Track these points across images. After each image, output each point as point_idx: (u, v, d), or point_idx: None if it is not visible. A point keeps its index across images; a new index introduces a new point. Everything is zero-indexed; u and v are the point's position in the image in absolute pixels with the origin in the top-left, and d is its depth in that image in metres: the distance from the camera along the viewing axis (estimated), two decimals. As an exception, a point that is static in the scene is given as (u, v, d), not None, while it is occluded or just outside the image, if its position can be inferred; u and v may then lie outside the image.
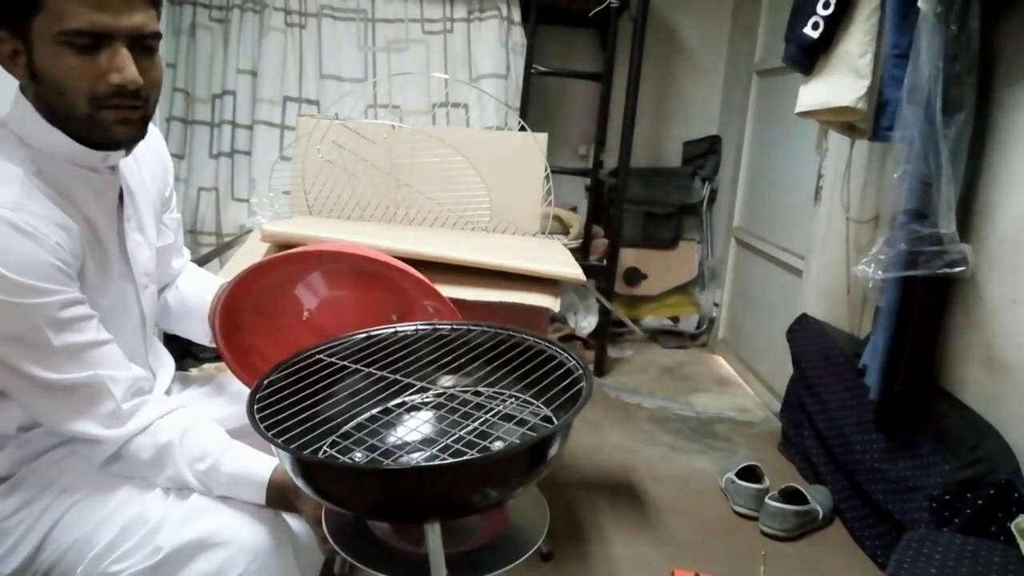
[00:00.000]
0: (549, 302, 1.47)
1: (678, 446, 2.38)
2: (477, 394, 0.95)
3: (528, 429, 0.87)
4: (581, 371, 0.88)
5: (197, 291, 1.28)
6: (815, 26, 1.78)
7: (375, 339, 1.02)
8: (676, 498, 2.05)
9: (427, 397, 0.97)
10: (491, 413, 0.90)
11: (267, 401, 0.88)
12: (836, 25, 1.77)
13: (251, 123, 2.71)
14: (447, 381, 0.98)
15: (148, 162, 1.15)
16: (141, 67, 0.94)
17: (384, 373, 0.96)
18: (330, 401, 0.93)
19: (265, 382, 0.91)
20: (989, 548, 1.32)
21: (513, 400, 0.92)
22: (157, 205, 1.18)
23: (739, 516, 1.97)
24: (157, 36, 0.96)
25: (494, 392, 0.95)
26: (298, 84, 2.71)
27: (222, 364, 2.18)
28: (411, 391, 0.95)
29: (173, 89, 2.73)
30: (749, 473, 2.04)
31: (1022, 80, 1.60)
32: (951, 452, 1.59)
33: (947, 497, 1.50)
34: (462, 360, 0.97)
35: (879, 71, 1.75)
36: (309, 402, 0.90)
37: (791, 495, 1.92)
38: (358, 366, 0.96)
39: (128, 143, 1.01)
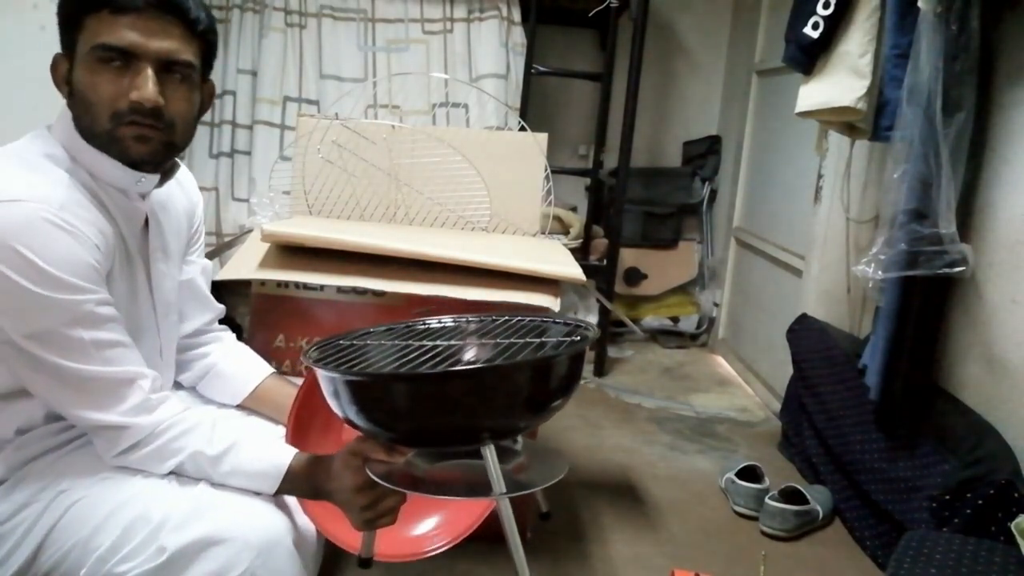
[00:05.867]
0: (549, 302, 1.47)
1: (678, 446, 2.38)
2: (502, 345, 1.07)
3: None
4: (584, 326, 1.06)
5: (238, 374, 1.29)
6: (815, 26, 1.78)
7: (398, 329, 1.15)
8: (676, 498, 2.05)
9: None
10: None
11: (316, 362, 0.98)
12: (836, 25, 1.77)
13: (251, 123, 2.71)
14: (471, 351, 1.10)
15: (177, 198, 1.19)
16: (167, 93, 0.98)
17: (415, 342, 1.06)
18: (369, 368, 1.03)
19: (306, 356, 1.01)
20: (989, 548, 1.32)
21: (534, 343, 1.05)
22: (183, 242, 1.21)
23: (739, 516, 1.97)
24: (189, 66, 0.99)
25: (515, 341, 1.08)
26: (298, 84, 2.71)
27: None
28: (443, 357, 1.04)
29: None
30: (749, 473, 2.04)
31: (1022, 80, 1.60)
32: (951, 452, 1.59)
33: (947, 497, 1.50)
34: (482, 336, 1.11)
35: (879, 71, 1.75)
36: (353, 364, 1.00)
37: (791, 495, 1.92)
38: (389, 340, 1.09)
39: (147, 164, 1.02)
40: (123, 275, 1.04)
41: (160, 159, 1.03)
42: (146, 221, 1.10)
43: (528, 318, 1.14)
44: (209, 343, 1.31)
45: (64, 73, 0.99)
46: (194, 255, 1.27)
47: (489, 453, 0.93)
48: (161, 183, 1.08)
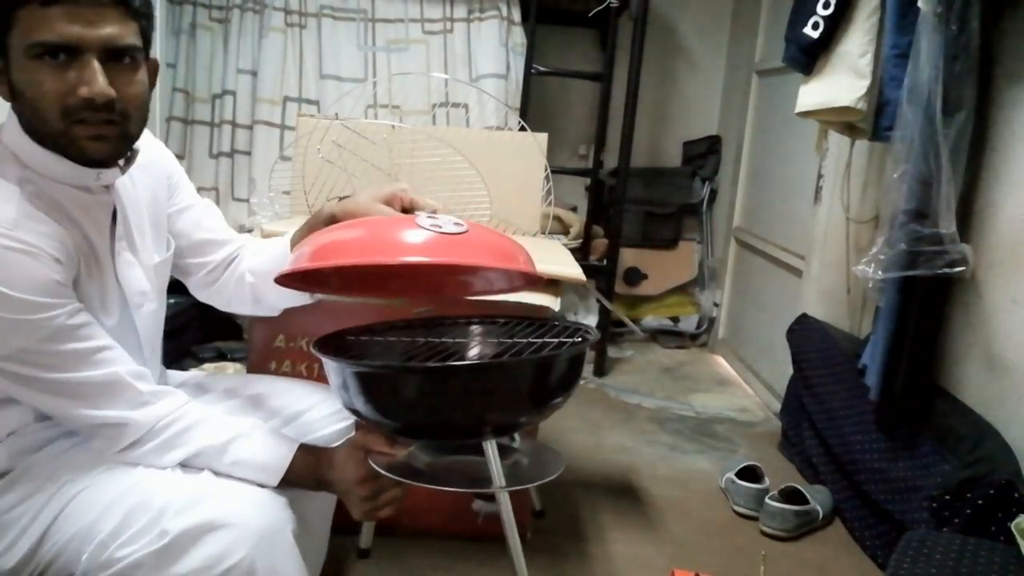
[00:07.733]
0: (549, 301, 1.47)
1: (678, 446, 2.38)
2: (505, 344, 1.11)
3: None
4: (585, 329, 1.10)
5: (272, 260, 1.23)
6: (815, 26, 1.78)
7: (407, 323, 1.18)
8: (676, 498, 2.05)
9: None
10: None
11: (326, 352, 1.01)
12: (836, 25, 1.77)
13: (251, 123, 2.71)
14: (476, 348, 1.14)
15: (142, 178, 1.13)
16: (117, 82, 0.92)
17: (422, 338, 1.10)
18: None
19: (315, 348, 1.03)
20: (989, 548, 1.32)
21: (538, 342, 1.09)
22: (159, 219, 1.16)
23: (739, 516, 1.97)
24: (134, 49, 0.94)
25: (518, 340, 1.11)
26: (298, 84, 2.71)
27: (221, 364, 2.18)
28: (448, 353, 1.08)
29: (173, 89, 2.74)
30: (749, 473, 2.04)
31: (1022, 80, 1.60)
32: (951, 452, 1.59)
33: (947, 497, 1.50)
34: (487, 332, 1.16)
35: (879, 71, 1.74)
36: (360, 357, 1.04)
37: (791, 495, 1.92)
38: (398, 337, 1.13)
39: (108, 161, 0.98)
40: (90, 276, 1.02)
41: (120, 154, 0.99)
42: (114, 214, 1.06)
43: (532, 320, 1.17)
44: (239, 262, 1.26)
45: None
46: (180, 204, 1.20)
47: (490, 447, 0.96)
48: (124, 170, 1.03)
